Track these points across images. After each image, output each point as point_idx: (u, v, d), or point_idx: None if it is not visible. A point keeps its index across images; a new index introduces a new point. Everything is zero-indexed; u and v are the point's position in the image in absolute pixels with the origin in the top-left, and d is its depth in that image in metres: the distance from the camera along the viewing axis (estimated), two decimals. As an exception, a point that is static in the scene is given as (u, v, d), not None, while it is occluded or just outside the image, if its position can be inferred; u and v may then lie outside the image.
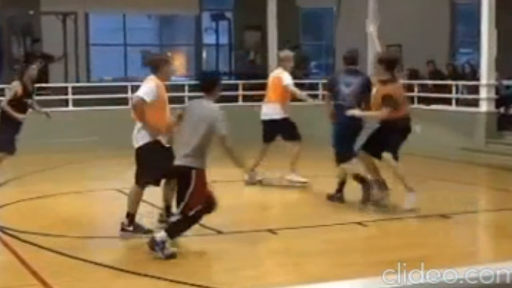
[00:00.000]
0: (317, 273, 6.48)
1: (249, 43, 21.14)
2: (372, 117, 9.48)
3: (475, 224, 9.39)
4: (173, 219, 7.29)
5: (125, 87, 16.52)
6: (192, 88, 16.71)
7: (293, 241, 7.83)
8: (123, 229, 7.78)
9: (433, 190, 10.73)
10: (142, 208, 8.10)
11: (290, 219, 9.15)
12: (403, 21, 18.30)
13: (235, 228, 8.19)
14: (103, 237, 8.26)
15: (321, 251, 7.47)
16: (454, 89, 15.82)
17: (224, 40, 21.48)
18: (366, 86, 9.71)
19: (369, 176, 9.42)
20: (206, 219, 7.34)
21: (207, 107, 7.13)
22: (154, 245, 6.83)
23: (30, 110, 10.93)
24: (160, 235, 6.87)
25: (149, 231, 7.61)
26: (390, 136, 9.06)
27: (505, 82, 15.86)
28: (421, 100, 16.25)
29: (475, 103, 14.90)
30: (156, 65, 7.89)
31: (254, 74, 19.40)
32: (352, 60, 9.90)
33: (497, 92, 14.92)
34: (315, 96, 15.94)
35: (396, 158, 9.08)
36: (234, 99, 17.38)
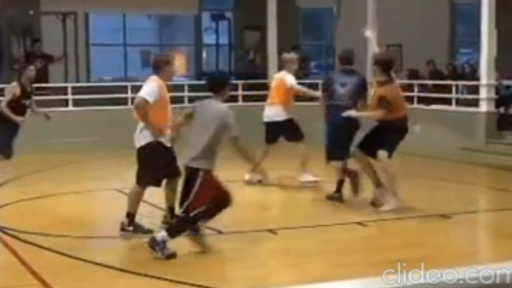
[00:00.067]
0: (317, 273, 6.48)
1: (249, 43, 21.13)
2: (368, 117, 9.52)
3: (475, 224, 9.39)
4: (175, 218, 7.32)
5: (125, 87, 16.51)
6: (192, 88, 16.73)
7: (293, 241, 7.83)
8: (123, 229, 7.78)
9: (433, 190, 10.74)
10: (142, 208, 8.10)
11: (290, 219, 9.16)
12: (403, 21, 18.30)
13: (235, 228, 8.19)
14: (103, 237, 8.27)
15: (321, 251, 7.48)
16: (454, 89, 15.82)
17: (224, 40, 21.47)
18: (362, 86, 9.75)
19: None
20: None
21: (216, 107, 7.14)
22: (154, 245, 6.83)
23: (29, 111, 10.91)
24: (161, 234, 6.87)
25: (149, 231, 7.62)
26: (387, 136, 9.07)
27: (505, 82, 15.86)
28: (421, 100, 16.25)
29: (475, 103, 14.90)
30: (157, 65, 7.89)
31: (254, 74, 19.41)
32: (348, 60, 9.94)
33: (497, 92, 14.92)
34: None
35: (390, 158, 9.10)
36: (234, 99, 17.37)
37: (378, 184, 9.34)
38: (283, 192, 11.15)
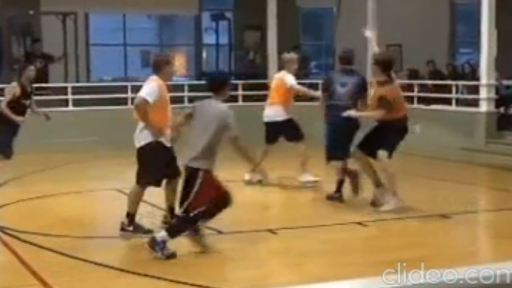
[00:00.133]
0: (317, 273, 6.48)
1: (249, 43, 21.12)
2: (368, 117, 9.52)
3: (475, 224, 9.39)
4: (175, 218, 7.32)
5: (125, 87, 16.51)
6: (192, 88, 16.72)
7: (293, 241, 7.83)
8: (123, 229, 7.78)
9: (433, 190, 10.74)
10: (142, 208, 8.10)
11: (290, 219, 9.16)
12: (403, 21, 18.30)
13: (235, 228, 8.19)
14: (103, 237, 8.27)
15: (321, 251, 7.47)
16: (454, 89, 15.82)
17: (224, 40, 21.46)
18: (362, 86, 9.76)
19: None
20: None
21: (216, 107, 7.14)
22: (154, 245, 6.83)
23: (29, 111, 10.91)
24: (161, 234, 6.87)
25: (149, 231, 7.62)
26: (387, 136, 9.07)
27: (505, 82, 15.86)
28: (421, 100, 16.25)
29: (475, 103, 14.90)
30: (157, 65, 7.89)
31: (254, 74, 19.41)
32: (348, 60, 9.95)
33: (497, 92, 14.92)
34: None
35: (390, 157, 9.10)
36: (234, 99, 17.36)
37: (378, 184, 9.34)
38: (283, 192, 11.15)
